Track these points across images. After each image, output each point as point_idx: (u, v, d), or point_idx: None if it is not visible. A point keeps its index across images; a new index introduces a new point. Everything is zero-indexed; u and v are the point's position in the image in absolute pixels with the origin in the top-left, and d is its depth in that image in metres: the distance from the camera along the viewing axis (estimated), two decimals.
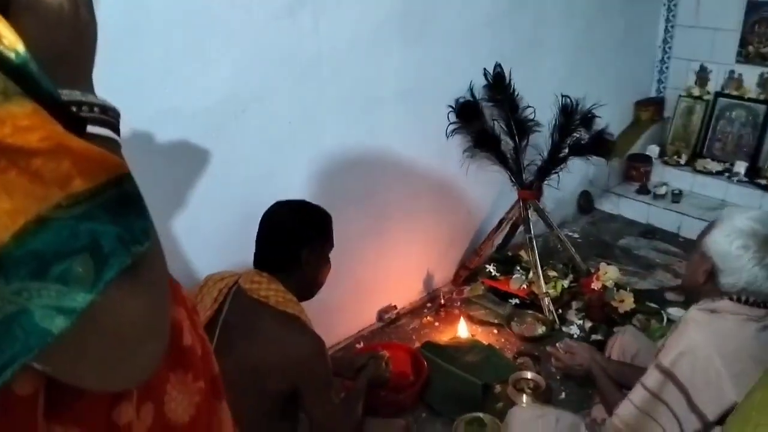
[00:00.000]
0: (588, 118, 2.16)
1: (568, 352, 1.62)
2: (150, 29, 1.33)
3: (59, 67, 0.44)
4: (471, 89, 2.10)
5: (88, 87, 0.53)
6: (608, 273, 2.13)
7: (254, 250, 1.25)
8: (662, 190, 2.82)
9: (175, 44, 1.38)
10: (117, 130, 0.52)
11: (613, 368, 1.53)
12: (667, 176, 2.92)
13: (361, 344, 2.01)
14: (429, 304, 2.22)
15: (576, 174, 2.59)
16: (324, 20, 1.65)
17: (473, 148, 2.13)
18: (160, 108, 1.39)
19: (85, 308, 0.38)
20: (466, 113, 2.11)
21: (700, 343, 1.17)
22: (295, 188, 1.71)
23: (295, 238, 1.22)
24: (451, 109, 2.08)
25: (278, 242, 1.23)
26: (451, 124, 2.09)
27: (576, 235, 2.72)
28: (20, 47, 0.40)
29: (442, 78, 2.03)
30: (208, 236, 1.57)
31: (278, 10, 1.54)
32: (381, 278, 2.09)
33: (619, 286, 2.13)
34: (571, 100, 2.13)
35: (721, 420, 1.14)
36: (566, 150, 2.16)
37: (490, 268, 2.27)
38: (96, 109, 0.50)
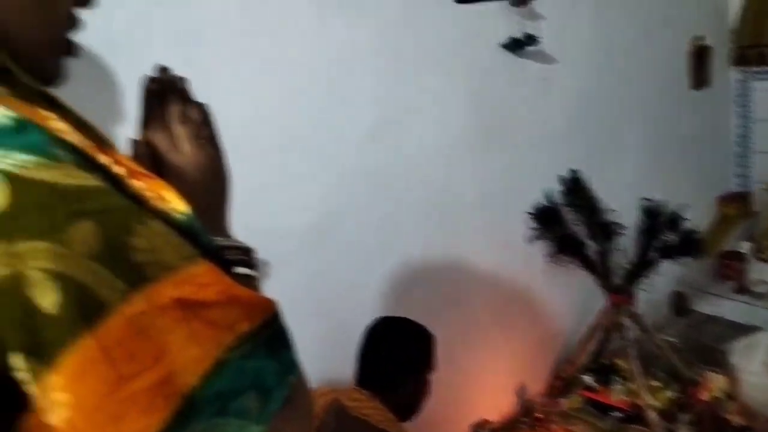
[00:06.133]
0: (674, 220, 2.12)
1: None
2: (248, 156, 1.44)
3: (203, 219, 0.50)
4: (549, 195, 2.12)
5: (227, 232, 0.60)
6: (718, 382, 1.99)
7: (356, 366, 1.25)
8: (763, 289, 2.66)
9: (272, 170, 1.49)
10: (254, 267, 0.57)
11: None
12: (765, 274, 2.76)
13: None
14: (524, 419, 2.11)
15: (666, 275, 2.50)
16: (406, 139, 1.74)
17: (557, 253, 2.11)
18: (257, 228, 1.47)
19: None
20: (546, 219, 2.11)
21: None
22: (381, 299, 1.74)
23: (395, 360, 1.23)
24: (530, 216, 2.10)
25: (378, 362, 1.23)
26: (531, 230, 2.09)
27: (674, 340, 2.56)
28: (185, 208, 0.45)
29: (519, 185, 2.07)
30: (300, 351, 1.59)
31: (364, 133, 1.65)
32: (470, 391, 2.02)
33: (730, 396, 1.97)
34: (654, 204, 2.10)
35: None
36: (654, 253, 2.11)
37: (587, 378, 2.16)
38: (237, 251, 0.56)
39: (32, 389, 0.37)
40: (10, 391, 0.38)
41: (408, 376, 1.21)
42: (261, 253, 1.58)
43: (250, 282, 0.56)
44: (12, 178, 0.37)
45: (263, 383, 0.43)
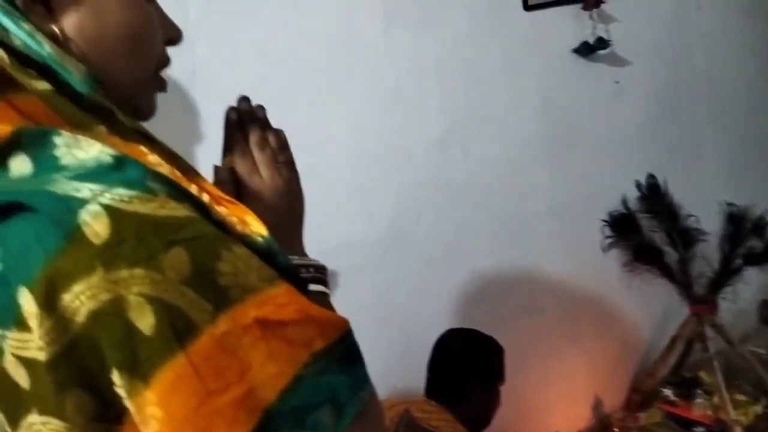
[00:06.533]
0: (759, 225, 2.01)
1: None
2: (318, 170, 1.49)
3: (280, 238, 0.52)
4: (624, 201, 2.06)
5: (302, 249, 0.62)
6: None
7: (426, 378, 1.26)
8: None
9: (345, 183, 1.53)
10: (327, 284, 0.60)
11: None
12: None
13: None
14: None
15: (752, 283, 2.37)
16: (473, 149, 1.75)
17: (633, 262, 2.04)
18: (328, 240, 1.52)
19: None
20: (622, 226, 2.05)
21: None
22: (451, 310, 1.74)
23: (465, 372, 1.24)
24: (605, 223, 2.04)
25: (448, 374, 1.24)
26: (606, 238, 2.04)
27: (762, 351, 2.42)
28: (264, 231, 0.48)
29: (593, 191, 2.02)
30: (369, 361, 1.62)
31: (431, 144, 1.67)
32: (544, 403, 1.99)
33: None
34: (737, 209, 2.01)
35: None
36: (739, 260, 2.01)
37: (667, 391, 2.08)
38: (312, 269, 0.59)
39: (129, 404, 0.41)
40: (110, 405, 0.42)
41: (477, 388, 1.21)
42: (332, 264, 1.63)
43: (323, 299, 0.59)
44: (113, 212, 0.41)
45: (337, 398, 0.45)
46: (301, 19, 1.46)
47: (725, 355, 2.20)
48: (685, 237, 2.04)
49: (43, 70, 0.46)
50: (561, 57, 1.87)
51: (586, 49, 1.86)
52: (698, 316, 2.03)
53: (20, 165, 0.43)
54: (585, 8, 1.84)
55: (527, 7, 1.75)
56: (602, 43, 1.87)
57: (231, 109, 0.64)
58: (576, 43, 1.86)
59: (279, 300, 0.44)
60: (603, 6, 1.87)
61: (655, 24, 2.11)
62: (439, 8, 1.64)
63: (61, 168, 0.42)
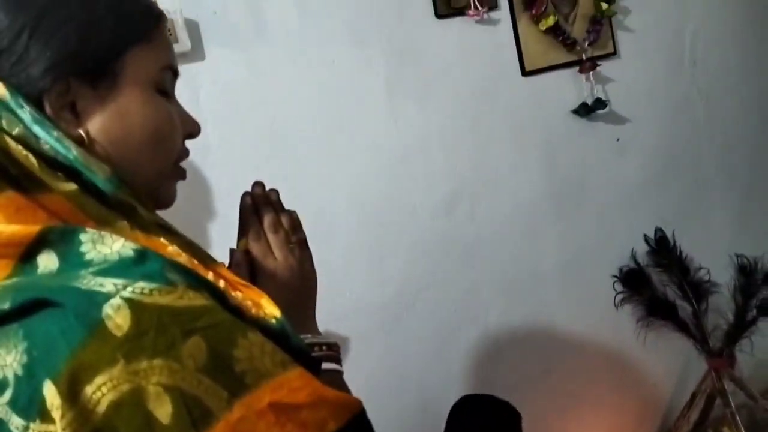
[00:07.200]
0: None
1: None
2: (330, 236, 1.52)
3: (293, 316, 0.54)
4: (634, 256, 2.06)
5: (315, 327, 0.64)
6: None
7: None
8: None
9: (353, 247, 1.56)
10: (339, 362, 0.61)
11: None
12: None
13: None
14: None
15: None
16: (480, 210, 1.77)
17: (647, 317, 2.03)
18: (345, 307, 1.53)
19: None
20: (633, 281, 2.05)
21: None
22: (465, 372, 1.73)
23: None
24: (615, 279, 2.04)
25: None
26: (618, 294, 2.03)
27: None
28: (278, 313, 0.50)
29: (601, 248, 2.02)
30: (384, 429, 1.60)
31: (438, 207, 1.70)
32: None
33: None
34: (747, 260, 2.00)
35: None
36: (753, 312, 1.99)
37: None
38: (324, 347, 0.60)
39: None
40: None
41: None
42: (342, 329, 1.63)
43: (337, 377, 0.60)
44: (134, 305, 0.43)
45: None
46: (306, 95, 1.52)
47: (748, 409, 2.15)
48: (697, 290, 2.03)
49: (70, 171, 0.49)
50: (561, 118, 1.92)
51: (585, 110, 1.91)
52: (717, 371, 1.99)
53: (47, 261, 0.46)
54: (581, 71, 1.90)
55: (525, 72, 1.81)
56: (600, 103, 1.92)
57: (246, 194, 0.67)
58: (575, 105, 1.92)
59: (293, 384, 0.46)
60: (599, 68, 1.93)
61: (651, 82, 2.16)
62: (441, 77, 1.70)
63: (86, 263, 0.45)
